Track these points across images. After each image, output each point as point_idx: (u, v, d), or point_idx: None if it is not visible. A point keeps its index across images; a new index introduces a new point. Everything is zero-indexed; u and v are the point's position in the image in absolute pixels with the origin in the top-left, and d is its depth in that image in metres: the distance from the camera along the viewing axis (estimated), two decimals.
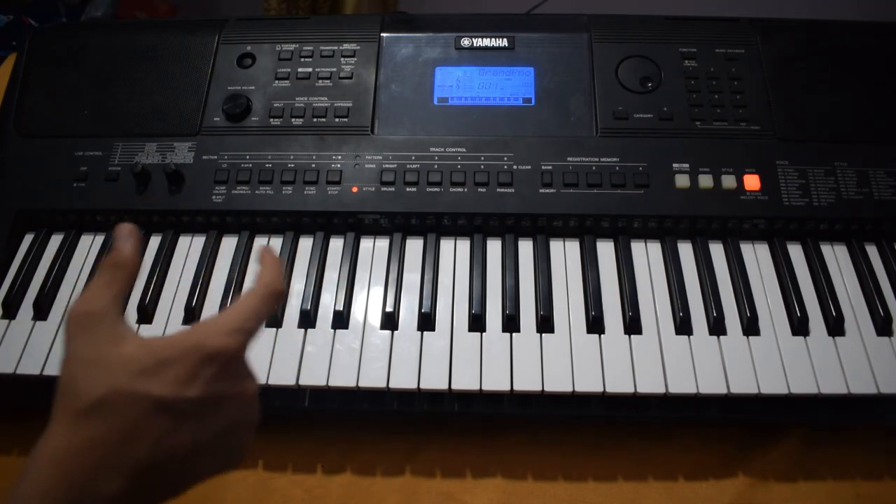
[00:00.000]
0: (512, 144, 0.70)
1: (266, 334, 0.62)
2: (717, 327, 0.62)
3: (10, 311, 0.65)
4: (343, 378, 0.59)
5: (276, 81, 0.74)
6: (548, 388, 0.58)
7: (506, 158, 0.69)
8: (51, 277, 0.67)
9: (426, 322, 0.62)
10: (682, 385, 0.58)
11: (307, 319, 0.63)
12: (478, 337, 0.61)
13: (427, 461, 0.62)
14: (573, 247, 0.68)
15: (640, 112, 0.71)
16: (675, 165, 0.68)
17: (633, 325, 0.62)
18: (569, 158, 0.69)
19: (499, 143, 0.70)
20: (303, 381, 0.59)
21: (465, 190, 0.68)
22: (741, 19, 0.76)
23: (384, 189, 0.68)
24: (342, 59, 0.75)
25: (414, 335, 0.62)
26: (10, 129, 0.74)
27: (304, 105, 0.73)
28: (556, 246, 0.68)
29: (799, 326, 0.61)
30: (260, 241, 0.69)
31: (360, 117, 0.72)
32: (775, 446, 0.62)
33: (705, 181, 0.68)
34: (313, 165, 0.70)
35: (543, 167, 0.69)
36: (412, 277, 0.66)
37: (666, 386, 0.58)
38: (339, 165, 0.70)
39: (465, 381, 0.59)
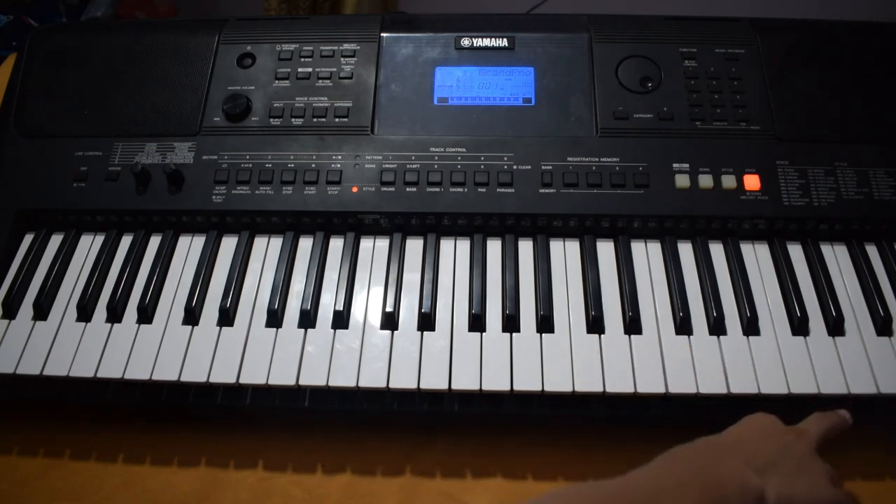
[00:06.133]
0: (512, 144, 0.70)
1: (266, 334, 0.62)
2: (717, 327, 0.62)
3: (10, 311, 0.65)
4: (343, 378, 0.59)
5: (276, 81, 0.74)
6: (548, 388, 0.58)
7: (506, 158, 0.69)
8: (51, 277, 0.67)
9: (426, 322, 0.62)
10: (682, 385, 0.58)
11: (307, 319, 0.63)
12: (478, 337, 0.61)
13: (427, 461, 0.62)
14: (573, 247, 0.68)
15: (640, 112, 0.71)
16: (675, 165, 0.68)
17: (633, 325, 0.62)
18: (569, 158, 0.69)
19: (499, 143, 0.70)
20: (303, 381, 0.59)
21: (465, 190, 0.68)
22: (741, 19, 0.76)
23: (384, 189, 0.68)
24: (342, 59, 0.75)
25: (414, 335, 0.62)
26: (10, 129, 0.74)
27: (304, 105, 0.73)
28: (556, 246, 0.68)
29: (799, 326, 0.61)
30: (260, 241, 0.69)
31: (360, 117, 0.72)
32: None
33: (705, 181, 0.68)
34: (313, 165, 0.70)
35: (543, 167, 0.69)
36: (412, 277, 0.66)
37: (666, 386, 0.58)
38: (339, 165, 0.70)
39: (465, 381, 0.59)
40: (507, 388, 0.58)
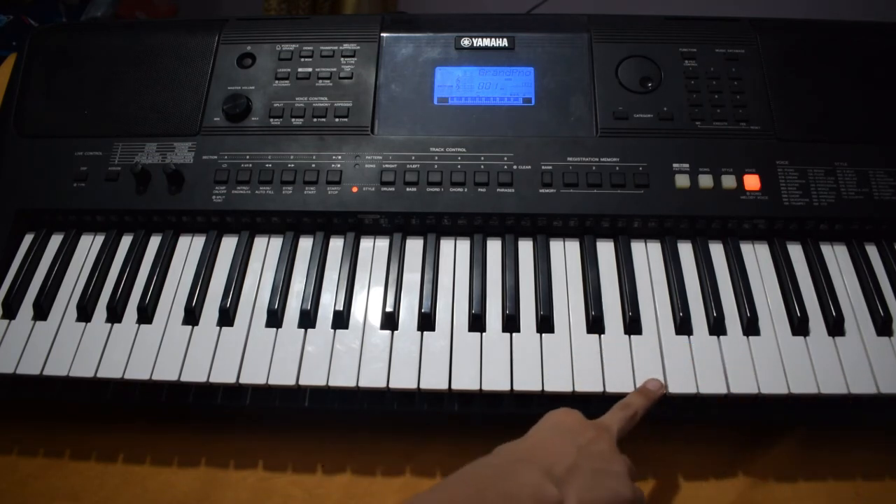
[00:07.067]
0: (512, 144, 0.70)
1: (266, 334, 0.62)
2: (717, 327, 0.62)
3: (10, 311, 0.65)
4: (343, 378, 0.59)
5: (276, 81, 0.74)
6: (548, 389, 0.58)
7: (506, 158, 0.69)
8: (51, 277, 0.67)
9: (426, 322, 0.62)
10: (682, 385, 0.58)
11: (307, 319, 0.63)
12: (478, 337, 0.61)
13: (427, 461, 0.62)
14: (573, 247, 0.68)
15: (640, 112, 0.71)
16: (675, 165, 0.68)
17: (633, 325, 0.62)
18: (569, 158, 0.69)
19: (499, 143, 0.70)
20: (303, 381, 0.59)
21: (465, 190, 0.68)
22: (741, 19, 0.76)
23: (384, 189, 0.68)
24: (342, 59, 0.75)
25: (414, 335, 0.62)
26: (10, 129, 0.74)
27: (304, 105, 0.73)
28: (556, 246, 0.68)
29: (799, 326, 0.61)
30: (260, 241, 0.69)
31: (360, 117, 0.72)
32: (775, 446, 0.62)
33: (705, 181, 0.68)
34: (313, 165, 0.70)
35: (543, 167, 0.69)
36: (412, 277, 0.66)
37: (666, 386, 0.58)
38: (339, 165, 0.70)
39: (465, 381, 0.59)
40: (507, 388, 0.58)
